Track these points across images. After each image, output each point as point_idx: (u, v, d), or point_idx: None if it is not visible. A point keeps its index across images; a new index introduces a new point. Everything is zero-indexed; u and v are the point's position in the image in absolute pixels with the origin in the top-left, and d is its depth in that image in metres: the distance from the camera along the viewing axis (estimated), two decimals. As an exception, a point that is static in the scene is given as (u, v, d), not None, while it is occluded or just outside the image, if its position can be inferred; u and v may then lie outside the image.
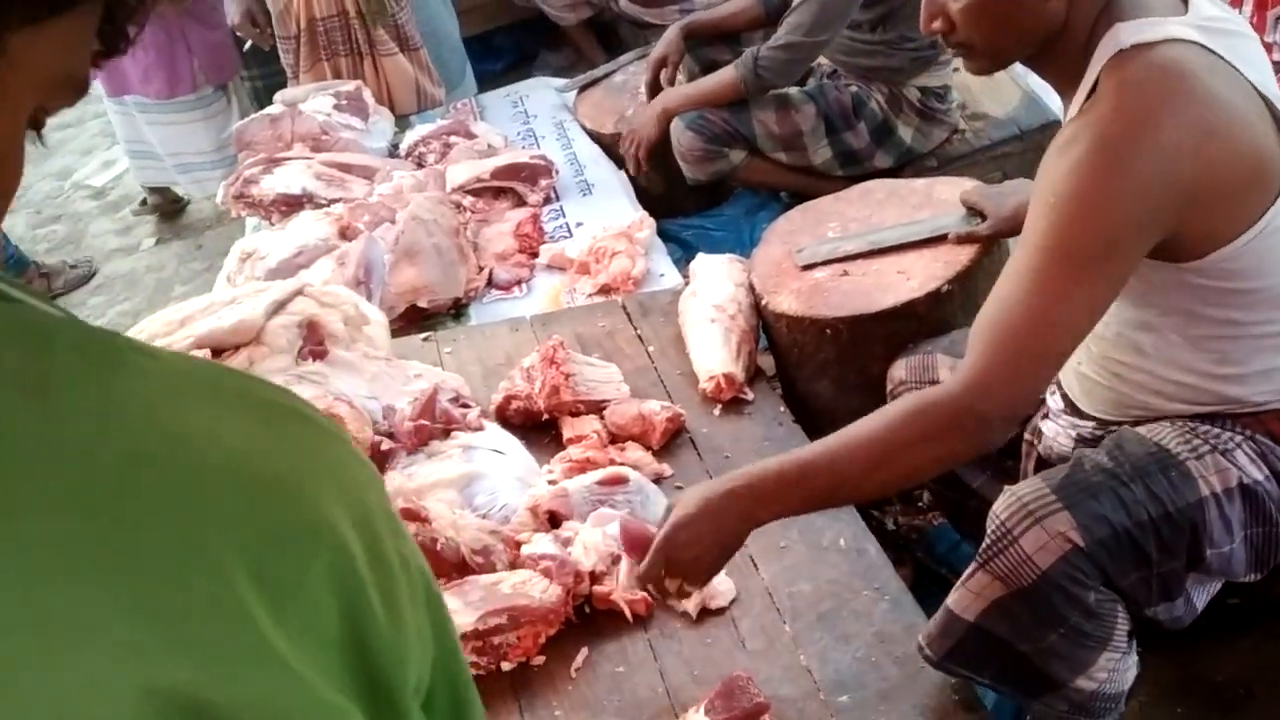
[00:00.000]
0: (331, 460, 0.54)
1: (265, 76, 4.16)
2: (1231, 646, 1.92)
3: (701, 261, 2.52)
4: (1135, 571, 1.49)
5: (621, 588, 1.76)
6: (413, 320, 2.78)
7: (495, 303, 2.84)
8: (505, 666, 1.73)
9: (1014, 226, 2.04)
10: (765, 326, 2.38)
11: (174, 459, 0.48)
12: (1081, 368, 1.68)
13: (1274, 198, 1.45)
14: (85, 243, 4.87)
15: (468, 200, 3.11)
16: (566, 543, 1.85)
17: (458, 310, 2.84)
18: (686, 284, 2.53)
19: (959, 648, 1.56)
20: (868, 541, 1.86)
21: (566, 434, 2.18)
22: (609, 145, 3.42)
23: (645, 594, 1.69)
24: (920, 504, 2.31)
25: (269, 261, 2.86)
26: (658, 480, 2.04)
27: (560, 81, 3.96)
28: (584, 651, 1.76)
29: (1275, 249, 1.46)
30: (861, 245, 2.31)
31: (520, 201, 3.16)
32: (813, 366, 2.28)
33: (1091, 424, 1.70)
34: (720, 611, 1.78)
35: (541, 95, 3.86)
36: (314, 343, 2.23)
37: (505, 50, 4.91)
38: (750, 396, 2.21)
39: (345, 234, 2.92)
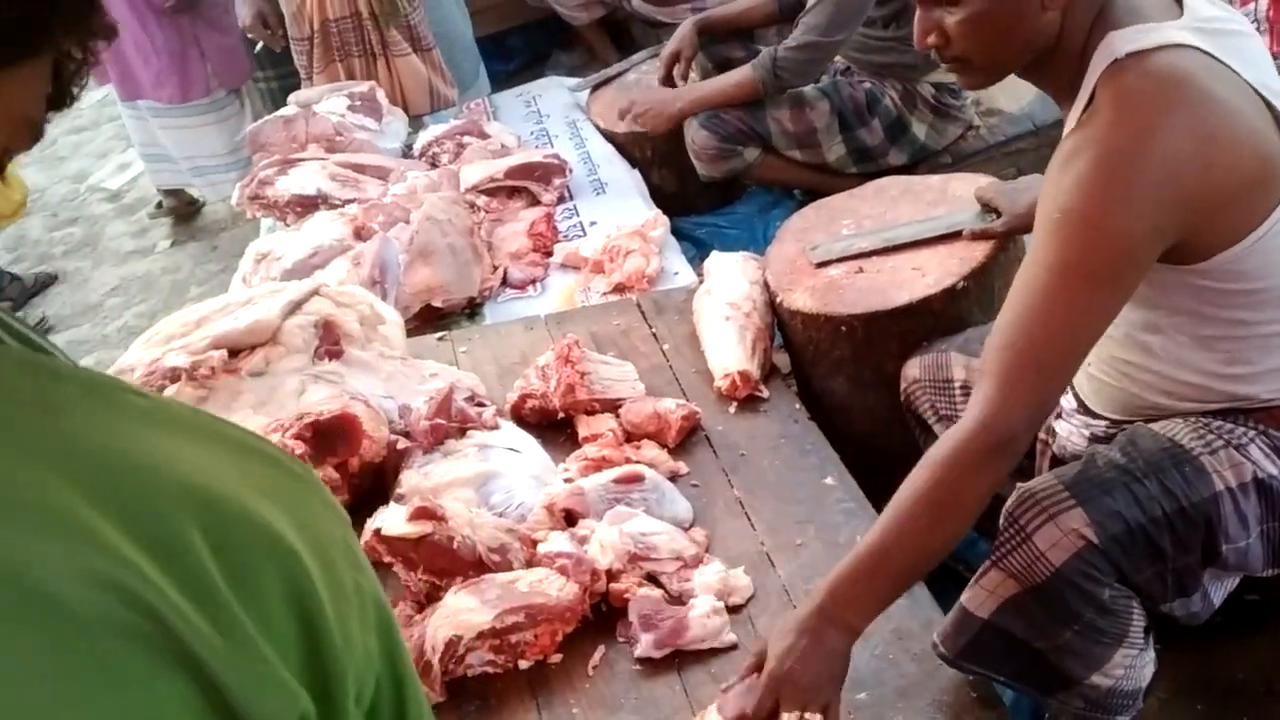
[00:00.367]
0: (289, 495, 0.58)
1: (279, 78, 4.18)
2: (1251, 643, 1.91)
3: (716, 259, 2.52)
4: (1150, 567, 1.49)
5: None
6: (428, 320, 2.79)
7: (510, 302, 2.85)
8: (523, 665, 1.74)
9: (1029, 223, 2.02)
10: (780, 324, 2.37)
11: (147, 467, 0.54)
12: (1091, 369, 1.67)
13: (1278, 198, 1.44)
14: (101, 245, 4.91)
15: (482, 200, 3.12)
16: (583, 541, 1.86)
17: (472, 310, 2.84)
18: (701, 282, 2.52)
19: (974, 645, 1.55)
20: (884, 538, 1.85)
21: (582, 432, 2.18)
22: (622, 144, 3.43)
23: None
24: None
25: (284, 262, 2.87)
26: (673, 478, 2.04)
27: (573, 81, 3.96)
28: (601, 649, 1.76)
29: None
30: (876, 242, 2.31)
31: (534, 201, 3.16)
32: (828, 364, 2.27)
33: (1104, 423, 1.70)
34: (737, 609, 1.78)
35: (554, 95, 3.86)
36: (330, 342, 2.23)
37: (518, 50, 4.92)
38: (765, 394, 2.21)
39: (360, 234, 2.93)
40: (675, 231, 3.01)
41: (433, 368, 2.32)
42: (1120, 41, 1.41)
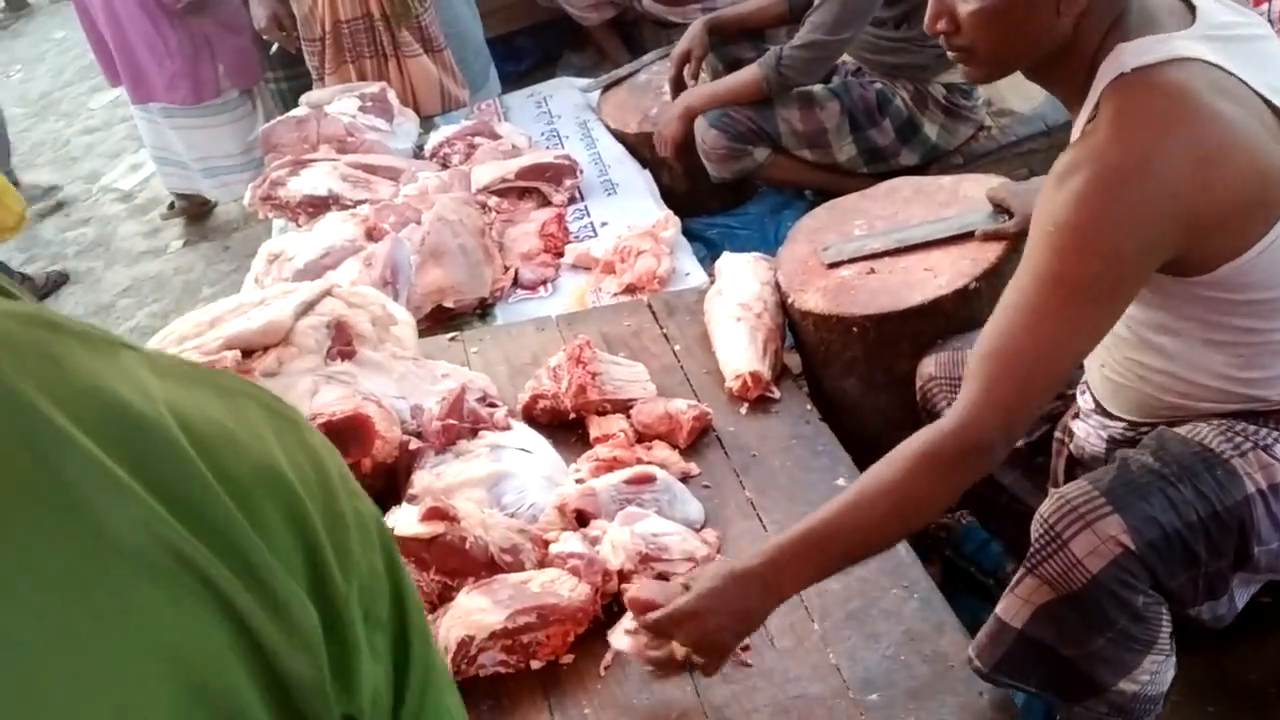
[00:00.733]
0: (279, 432, 0.59)
1: (290, 79, 4.19)
2: (1263, 646, 1.90)
3: (727, 260, 2.52)
4: (1185, 572, 1.48)
5: (613, 635, 1.68)
6: (439, 320, 2.79)
7: (521, 302, 2.85)
8: (534, 665, 1.74)
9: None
10: (791, 325, 2.37)
11: (150, 415, 0.54)
12: (1106, 370, 1.67)
13: (1279, 214, 1.43)
14: (114, 245, 4.93)
15: (493, 201, 3.13)
16: (594, 541, 1.86)
17: (484, 310, 2.85)
18: (712, 282, 2.52)
19: (1008, 657, 1.54)
20: (896, 540, 1.85)
21: (593, 433, 2.18)
22: (633, 145, 3.43)
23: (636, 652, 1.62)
24: (948, 502, 2.30)
25: (296, 263, 2.87)
26: (685, 479, 2.04)
27: (584, 81, 3.97)
28: (612, 650, 1.76)
29: None
30: (888, 243, 2.31)
31: (545, 201, 3.16)
32: (839, 365, 2.27)
33: (1122, 424, 1.69)
34: (748, 610, 1.77)
35: (565, 95, 3.87)
36: (342, 343, 2.24)
37: (529, 51, 4.92)
38: (777, 395, 2.21)
39: (371, 235, 2.94)
40: (686, 232, 3.01)
41: (444, 368, 2.33)
42: (1127, 55, 1.40)
